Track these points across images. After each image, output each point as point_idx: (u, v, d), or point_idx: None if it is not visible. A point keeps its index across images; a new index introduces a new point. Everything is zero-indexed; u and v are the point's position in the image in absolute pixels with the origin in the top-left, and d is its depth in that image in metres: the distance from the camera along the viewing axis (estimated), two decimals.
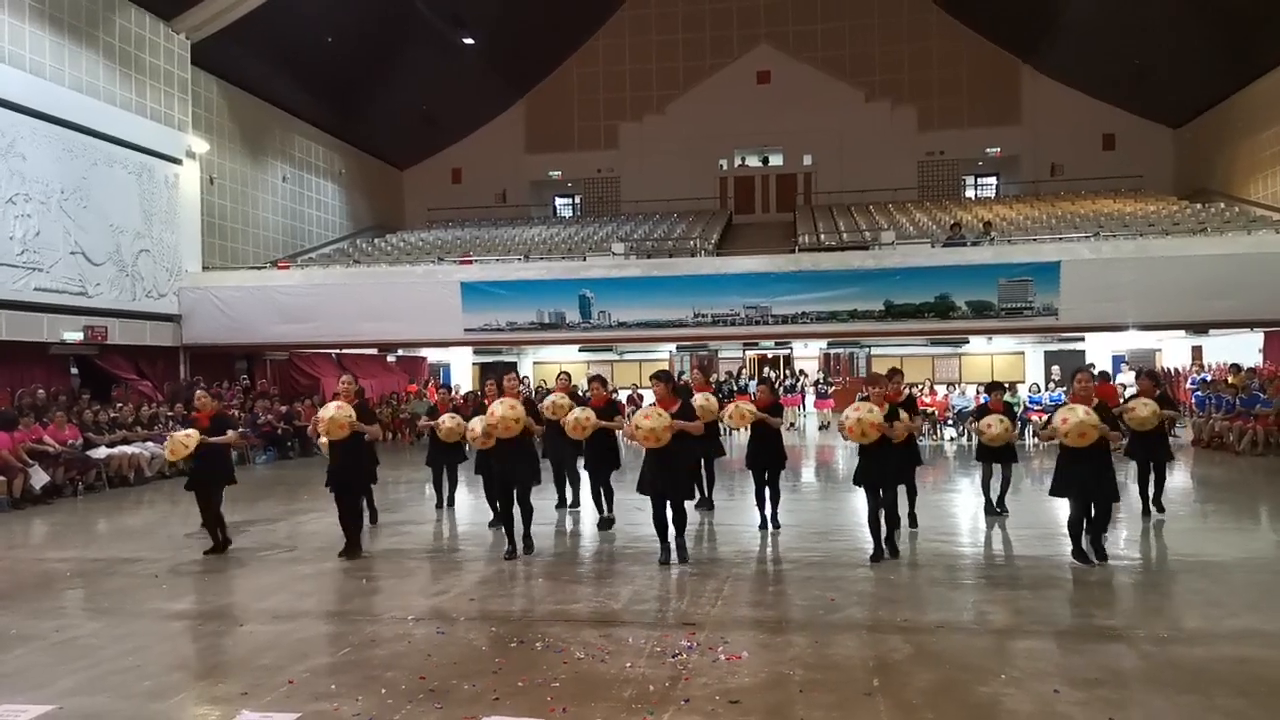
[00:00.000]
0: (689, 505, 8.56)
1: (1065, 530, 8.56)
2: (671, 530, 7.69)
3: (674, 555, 7.68)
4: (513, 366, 29.04)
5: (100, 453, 13.77)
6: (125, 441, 14.43)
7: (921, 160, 31.57)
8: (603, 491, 9.64)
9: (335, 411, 7.90)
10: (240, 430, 9.10)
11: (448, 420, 10.24)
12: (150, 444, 14.73)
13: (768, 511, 9.25)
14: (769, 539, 8.83)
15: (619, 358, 28.58)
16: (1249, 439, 15.62)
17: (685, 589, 6.86)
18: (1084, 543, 7.47)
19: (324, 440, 8.30)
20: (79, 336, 16.59)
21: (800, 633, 5.68)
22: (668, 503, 7.67)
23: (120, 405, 15.69)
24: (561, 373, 10.99)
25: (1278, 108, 22.87)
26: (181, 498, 9.69)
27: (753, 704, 4.53)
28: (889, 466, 7.76)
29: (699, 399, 9.14)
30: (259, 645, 5.64)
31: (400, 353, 25.71)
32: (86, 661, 5.37)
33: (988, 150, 31.37)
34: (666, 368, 9.62)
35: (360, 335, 20.02)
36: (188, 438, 8.36)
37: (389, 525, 9.96)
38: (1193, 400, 19.18)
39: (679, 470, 7.67)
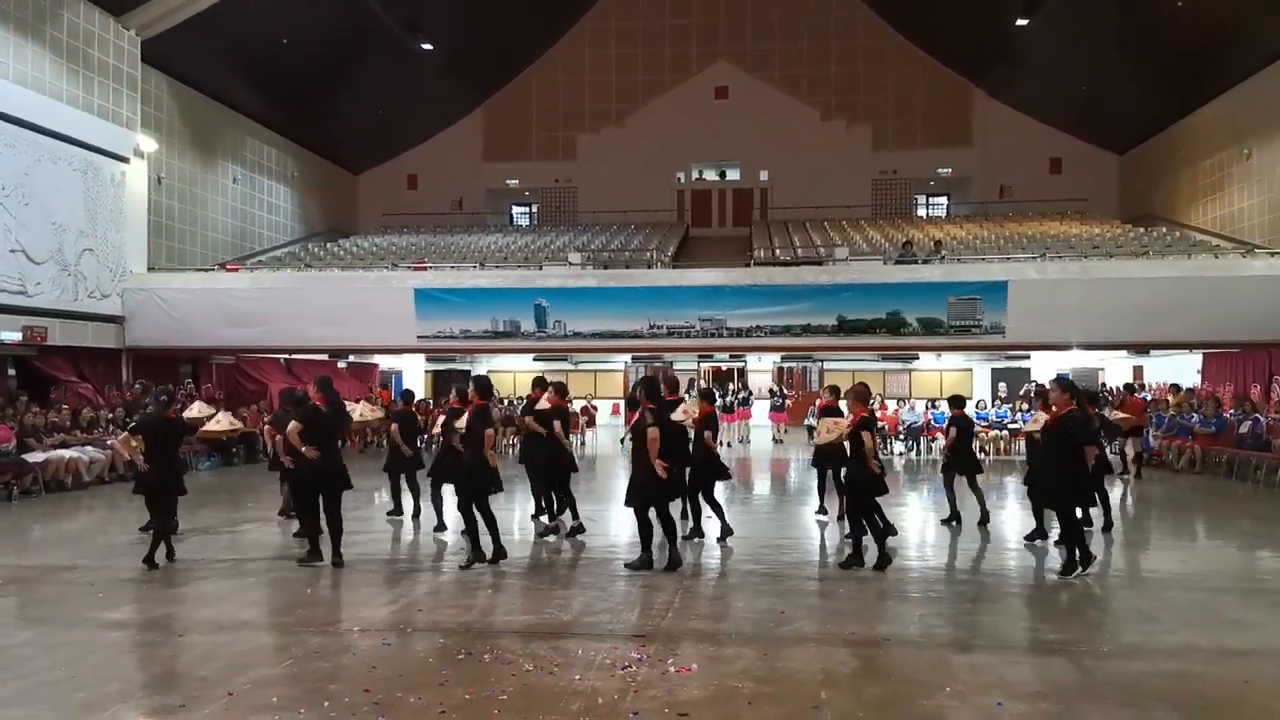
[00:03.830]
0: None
1: (1010, 545, 8.79)
2: (658, 537, 7.91)
3: (663, 560, 7.81)
4: (466, 375, 28.82)
5: (37, 456, 13.37)
6: (63, 445, 14.04)
7: (875, 179, 32.04)
8: (567, 498, 9.67)
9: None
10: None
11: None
12: (89, 448, 14.34)
13: (703, 521, 9.38)
14: (720, 550, 8.83)
15: (574, 368, 28.51)
16: (1186, 457, 16.05)
17: (636, 601, 6.84)
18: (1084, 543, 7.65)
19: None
20: (17, 337, 16.11)
21: (750, 645, 5.69)
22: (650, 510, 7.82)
23: (60, 407, 15.25)
24: (554, 383, 10.34)
25: (1217, 137, 23.64)
26: (121, 504, 9.45)
27: (701, 717, 4.53)
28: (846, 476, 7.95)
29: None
30: (198, 656, 5.51)
31: (351, 359, 25.37)
32: (17, 672, 5.20)
33: (939, 171, 31.97)
34: (643, 376, 9.77)
35: (311, 340, 19.72)
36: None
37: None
38: None
39: (639, 480, 7.80)
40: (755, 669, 5.24)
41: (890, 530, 8.55)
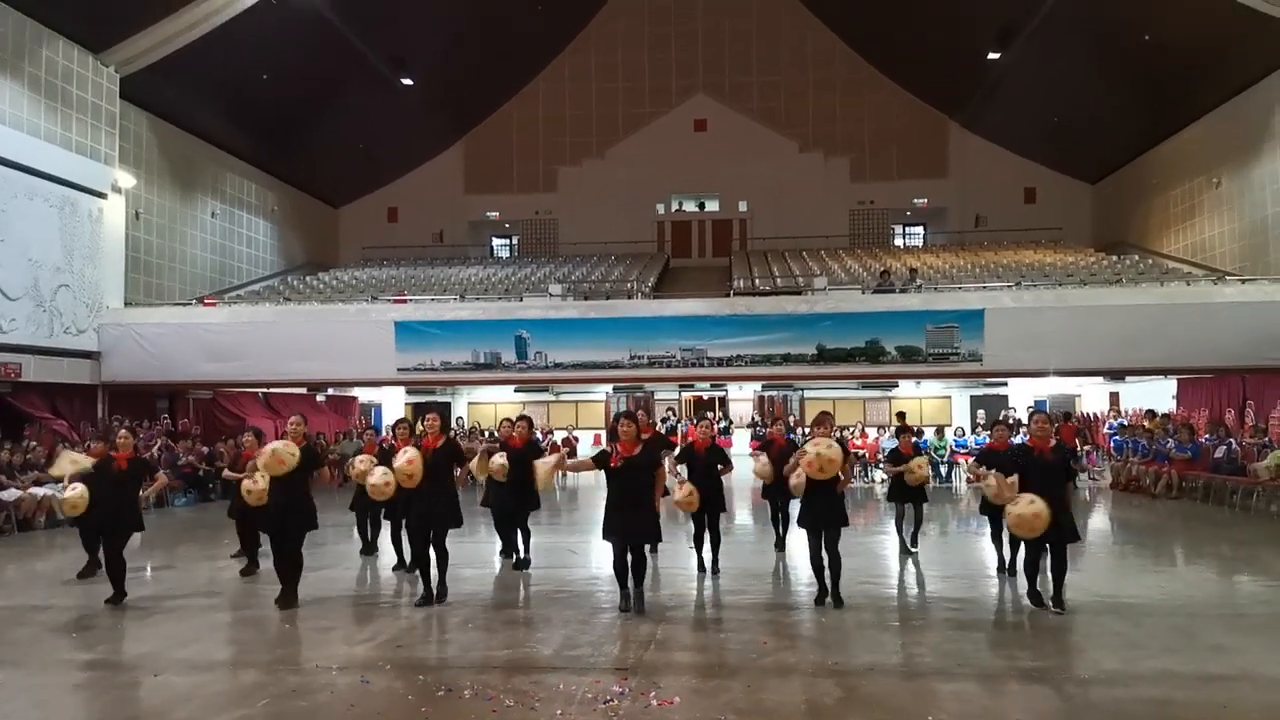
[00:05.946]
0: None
1: (991, 573, 8.80)
2: (632, 579, 7.46)
3: (633, 604, 7.42)
4: (446, 407, 28.72)
5: (9, 495, 13.18)
6: (37, 483, 13.84)
7: (853, 209, 32.40)
8: (519, 534, 9.75)
9: (281, 447, 7.70)
10: (161, 471, 8.95)
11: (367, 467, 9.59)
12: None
13: (707, 556, 9.22)
14: (703, 582, 8.80)
15: (555, 399, 28.48)
16: (1164, 482, 16.18)
17: (618, 634, 6.79)
18: (1038, 585, 7.57)
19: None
20: None
21: (733, 677, 5.67)
22: (629, 548, 7.43)
23: (33, 445, 15.06)
24: (521, 418, 10.25)
25: (1188, 165, 24.08)
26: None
27: None
28: (833, 509, 7.60)
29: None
30: (174, 697, 5.43)
31: (330, 392, 25.23)
32: None
33: (916, 201, 32.38)
34: (621, 409, 9.67)
35: (290, 374, 19.59)
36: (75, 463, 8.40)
37: (313, 571, 9.66)
38: (1110, 444, 19.84)
39: (651, 515, 7.44)
40: (738, 701, 5.21)
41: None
